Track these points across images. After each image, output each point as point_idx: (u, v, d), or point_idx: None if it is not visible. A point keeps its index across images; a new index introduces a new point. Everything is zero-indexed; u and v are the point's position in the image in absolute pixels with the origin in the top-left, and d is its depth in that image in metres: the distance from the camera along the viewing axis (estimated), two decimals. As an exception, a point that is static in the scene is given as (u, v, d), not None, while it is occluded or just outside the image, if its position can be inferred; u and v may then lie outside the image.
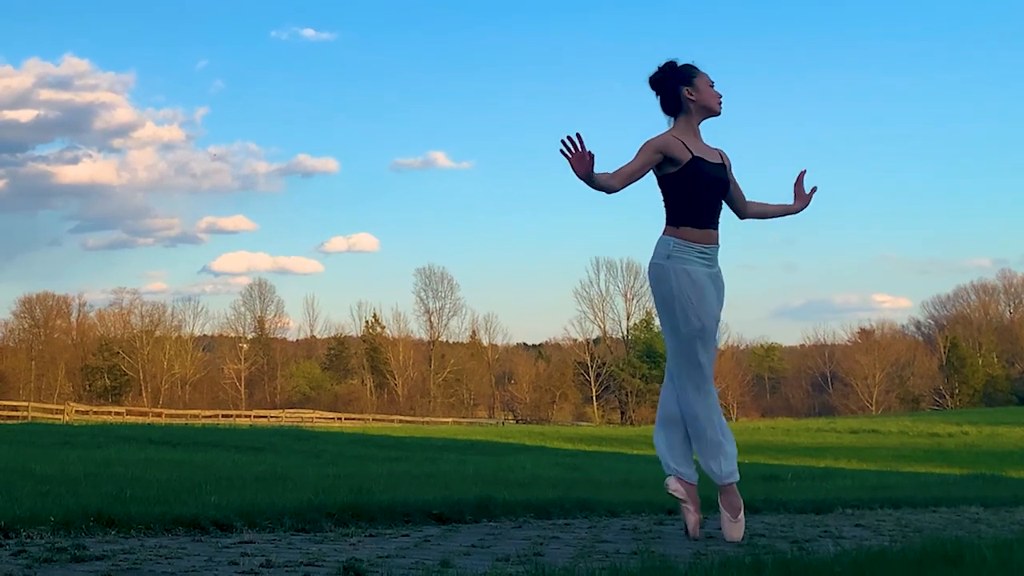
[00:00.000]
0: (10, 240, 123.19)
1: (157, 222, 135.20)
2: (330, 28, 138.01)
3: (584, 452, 29.89)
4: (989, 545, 5.25)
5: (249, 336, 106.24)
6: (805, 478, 15.85)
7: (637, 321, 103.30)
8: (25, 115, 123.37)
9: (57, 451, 14.97)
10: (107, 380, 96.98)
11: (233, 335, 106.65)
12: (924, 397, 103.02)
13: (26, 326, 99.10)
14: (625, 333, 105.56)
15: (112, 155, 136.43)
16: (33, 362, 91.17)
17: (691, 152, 6.17)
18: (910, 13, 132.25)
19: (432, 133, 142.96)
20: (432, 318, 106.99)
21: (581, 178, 5.87)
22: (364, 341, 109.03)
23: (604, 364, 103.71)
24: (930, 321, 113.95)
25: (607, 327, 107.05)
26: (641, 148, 6.15)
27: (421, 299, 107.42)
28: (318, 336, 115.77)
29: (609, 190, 6.02)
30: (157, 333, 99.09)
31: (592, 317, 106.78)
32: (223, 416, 68.29)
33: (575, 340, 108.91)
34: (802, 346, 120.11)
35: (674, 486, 6.24)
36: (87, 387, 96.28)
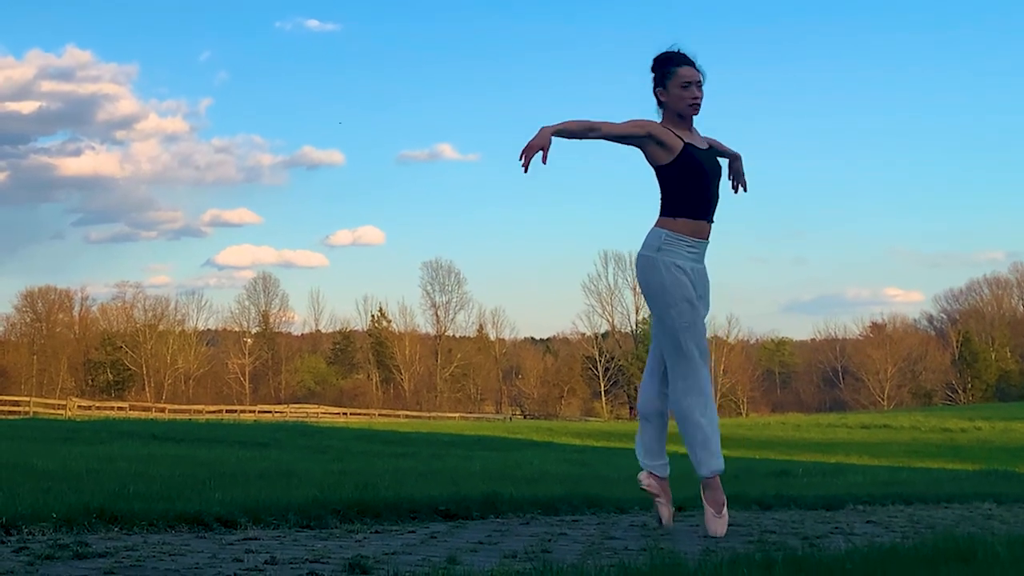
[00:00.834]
0: (12, 233, 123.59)
1: (160, 215, 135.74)
2: (334, 19, 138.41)
3: (592, 448, 29.83)
4: (1002, 542, 5.23)
5: (253, 330, 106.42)
6: (816, 474, 15.78)
7: (646, 315, 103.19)
8: (27, 107, 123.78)
9: (59, 447, 14.95)
10: (110, 375, 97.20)
11: (237, 329, 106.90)
12: (936, 392, 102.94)
13: (28, 320, 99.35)
14: (634, 327, 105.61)
15: (115, 147, 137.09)
16: (35, 357, 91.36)
17: (682, 139, 6.15)
18: (925, 3, 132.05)
19: (438, 125, 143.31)
20: (439, 312, 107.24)
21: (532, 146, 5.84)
22: (370, 335, 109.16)
23: (613, 358, 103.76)
24: (942, 315, 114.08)
25: (616, 321, 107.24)
26: (631, 120, 6.14)
27: (427, 293, 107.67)
28: (323, 330, 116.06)
29: (575, 137, 6.00)
30: (160, 327, 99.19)
31: (600, 311, 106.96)
32: (227, 411, 68.11)
33: (583, 334, 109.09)
34: (813, 340, 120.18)
35: (646, 481, 6.34)
36: (89, 382, 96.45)
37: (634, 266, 6.40)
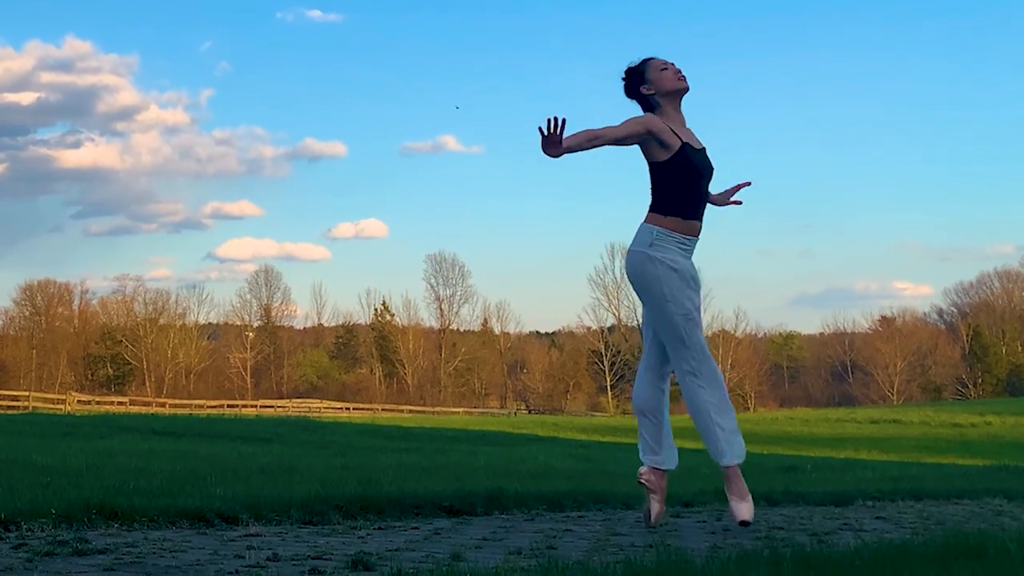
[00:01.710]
0: (11, 226, 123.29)
1: (161, 207, 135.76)
2: (337, 9, 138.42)
3: (598, 443, 29.80)
4: (1013, 538, 5.19)
5: (255, 324, 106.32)
6: (825, 469, 15.74)
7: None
8: (26, 98, 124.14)
9: (59, 442, 14.93)
10: (110, 369, 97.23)
11: (239, 323, 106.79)
12: (946, 386, 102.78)
13: (27, 314, 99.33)
14: (640, 321, 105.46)
15: (115, 139, 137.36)
16: (34, 351, 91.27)
17: (680, 138, 6.17)
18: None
19: (442, 116, 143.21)
20: (443, 306, 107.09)
21: (548, 155, 5.86)
22: (373, 329, 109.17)
23: (619, 352, 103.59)
24: (952, 308, 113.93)
25: (622, 315, 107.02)
26: (629, 119, 6.14)
27: (431, 286, 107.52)
28: (326, 324, 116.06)
29: (581, 150, 5.97)
30: (161, 321, 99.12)
31: (607, 304, 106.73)
32: (228, 406, 68.17)
33: (589, 328, 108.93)
34: (821, 334, 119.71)
35: (647, 476, 6.30)
36: (89, 376, 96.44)
37: (624, 262, 6.38)
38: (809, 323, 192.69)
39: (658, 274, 6.07)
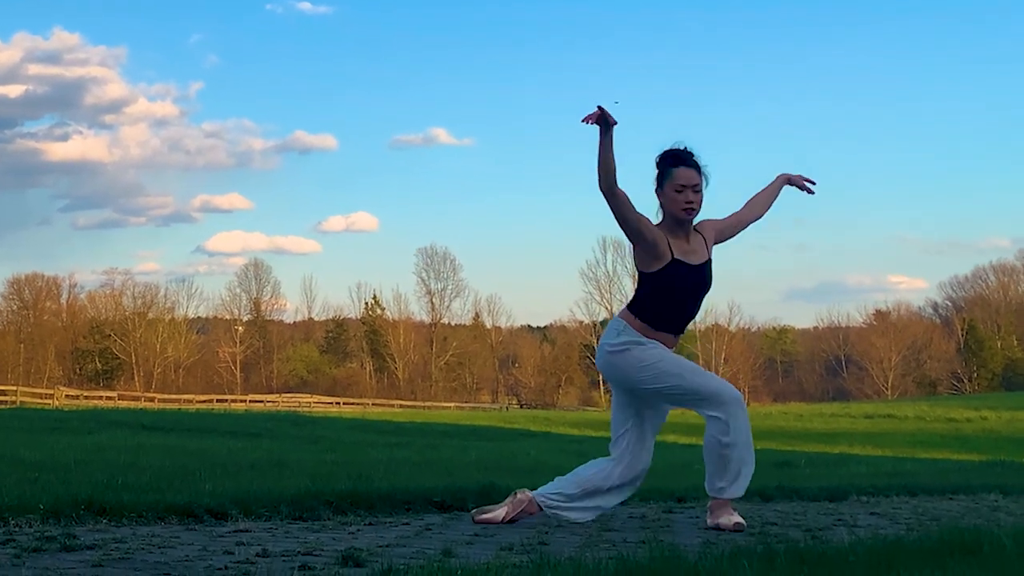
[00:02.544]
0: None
1: (150, 200, 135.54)
2: (327, 1, 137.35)
3: (591, 438, 29.69)
4: (1008, 534, 5.18)
5: (244, 318, 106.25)
6: (819, 464, 15.76)
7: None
8: (13, 90, 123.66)
9: (46, 437, 14.85)
10: (98, 363, 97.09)
11: (228, 317, 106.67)
12: (941, 381, 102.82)
13: (15, 308, 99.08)
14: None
15: (103, 131, 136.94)
16: (22, 345, 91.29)
17: (672, 254, 6.10)
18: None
19: (433, 109, 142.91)
20: (434, 299, 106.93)
21: (602, 126, 5.73)
22: (363, 323, 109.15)
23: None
24: (947, 302, 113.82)
25: (614, 309, 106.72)
26: (646, 218, 6.09)
27: (422, 280, 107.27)
28: (316, 318, 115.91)
29: (607, 178, 5.86)
30: (150, 315, 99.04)
31: (599, 298, 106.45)
32: (218, 401, 68.14)
33: (581, 322, 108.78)
34: (815, 328, 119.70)
35: (524, 498, 6.16)
36: (77, 371, 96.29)
37: (596, 359, 6.38)
38: (803, 317, 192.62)
39: (630, 357, 6.08)
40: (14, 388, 59.13)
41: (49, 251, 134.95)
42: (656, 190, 6.20)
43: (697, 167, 6.16)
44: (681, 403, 6.15)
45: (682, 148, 6.20)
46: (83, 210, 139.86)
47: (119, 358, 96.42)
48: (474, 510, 6.20)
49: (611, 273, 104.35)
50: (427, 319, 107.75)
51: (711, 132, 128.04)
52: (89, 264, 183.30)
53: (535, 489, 6.23)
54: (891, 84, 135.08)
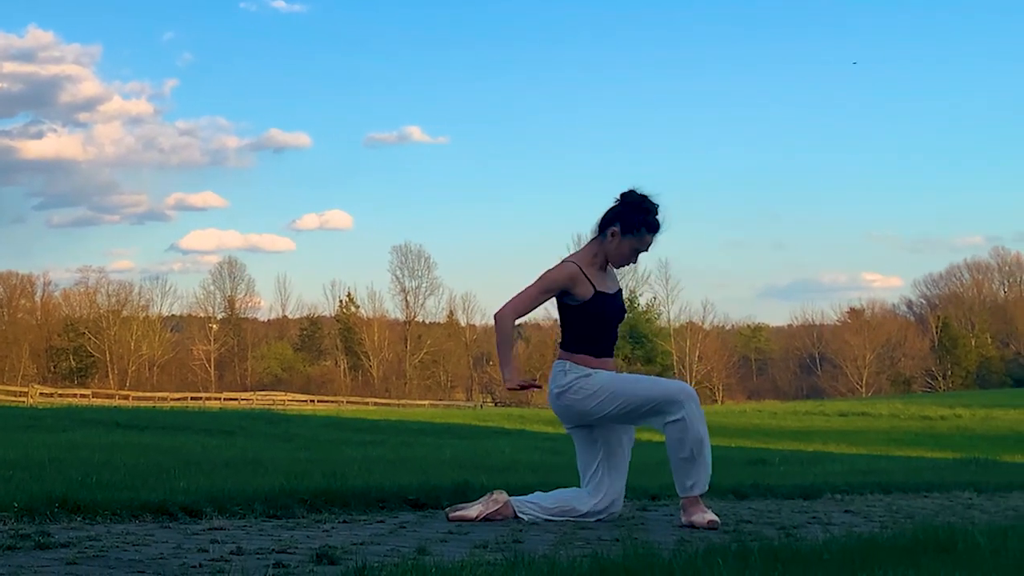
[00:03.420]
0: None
1: (124, 198, 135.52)
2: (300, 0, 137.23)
3: (565, 436, 29.57)
4: (983, 532, 5.21)
5: (219, 316, 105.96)
6: (793, 463, 15.81)
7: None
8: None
9: (21, 435, 14.80)
10: (72, 361, 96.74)
11: (202, 315, 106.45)
12: (916, 379, 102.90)
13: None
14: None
15: (78, 129, 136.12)
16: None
17: (594, 287, 6.25)
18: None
19: (407, 107, 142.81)
20: (408, 297, 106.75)
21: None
22: (338, 321, 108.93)
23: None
24: (922, 300, 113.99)
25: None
26: (541, 278, 6.30)
27: (397, 278, 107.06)
28: (290, 316, 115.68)
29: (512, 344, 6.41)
30: (124, 313, 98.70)
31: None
32: (192, 399, 67.84)
33: (556, 320, 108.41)
34: (790, 326, 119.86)
35: (499, 498, 6.22)
36: (52, 369, 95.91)
37: (549, 403, 6.43)
38: (777, 315, 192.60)
39: (580, 397, 6.16)
40: (-11, 386, 58.92)
41: (23, 249, 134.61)
42: (610, 228, 6.29)
43: (658, 233, 6.35)
44: (642, 418, 6.18)
45: (657, 210, 6.31)
46: (57, 208, 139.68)
47: (93, 356, 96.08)
48: (448, 508, 6.20)
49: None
50: (401, 317, 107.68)
51: (686, 132, 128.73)
52: (63, 262, 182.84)
53: (511, 493, 6.26)
54: (866, 82, 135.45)
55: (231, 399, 70.64)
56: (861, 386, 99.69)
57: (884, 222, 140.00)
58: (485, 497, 6.18)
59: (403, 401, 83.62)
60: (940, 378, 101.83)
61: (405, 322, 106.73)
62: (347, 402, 77.40)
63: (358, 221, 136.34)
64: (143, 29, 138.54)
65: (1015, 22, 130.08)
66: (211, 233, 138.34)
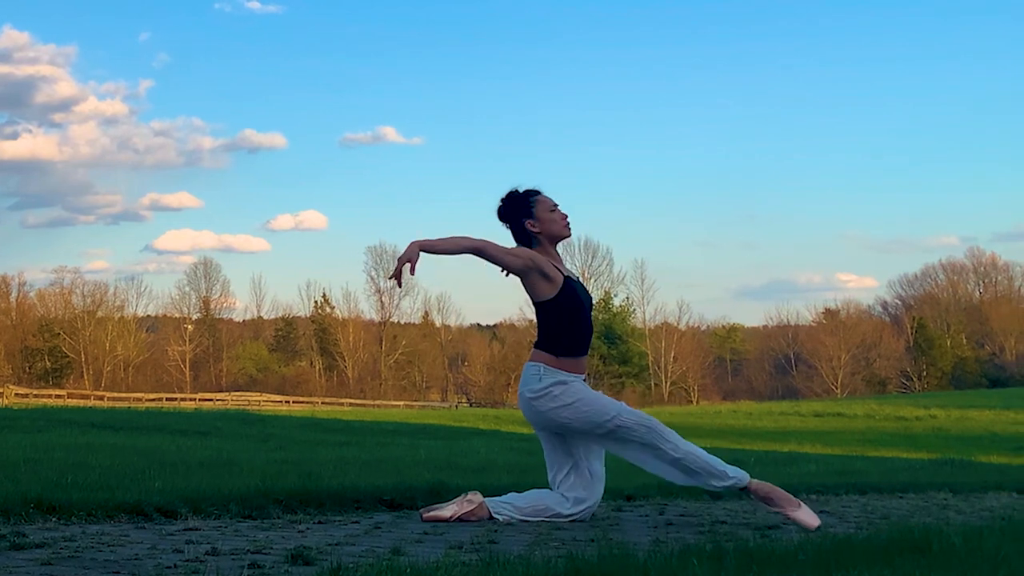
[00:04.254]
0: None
1: (99, 199, 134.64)
2: (276, 0, 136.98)
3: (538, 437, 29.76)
4: (958, 532, 5.21)
5: (194, 317, 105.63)
6: (768, 463, 15.77)
7: (595, 301, 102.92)
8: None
9: (-4, 435, 14.73)
10: (47, 362, 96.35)
11: (177, 315, 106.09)
12: (891, 379, 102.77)
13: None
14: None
15: (53, 130, 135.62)
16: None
17: (561, 272, 6.24)
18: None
19: (382, 108, 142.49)
20: (383, 298, 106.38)
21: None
22: (313, 322, 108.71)
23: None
24: (897, 301, 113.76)
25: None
26: (519, 250, 6.25)
27: (372, 278, 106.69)
28: (265, 317, 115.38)
29: (447, 254, 6.35)
30: (99, 313, 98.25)
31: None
32: (167, 399, 67.52)
33: (531, 320, 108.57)
34: (765, 327, 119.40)
35: (478, 501, 6.19)
36: (27, 369, 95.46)
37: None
38: (752, 315, 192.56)
39: (552, 405, 6.13)
40: (-37, 387, 58.66)
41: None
42: (524, 223, 6.30)
43: None
44: (614, 439, 6.15)
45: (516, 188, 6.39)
46: (32, 208, 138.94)
47: (68, 357, 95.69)
48: (423, 508, 6.20)
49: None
50: (376, 317, 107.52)
51: (661, 132, 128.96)
52: (38, 262, 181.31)
53: (486, 493, 6.26)
54: (840, 83, 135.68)
55: (206, 400, 70.35)
56: (836, 387, 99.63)
57: (858, 222, 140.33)
58: (460, 498, 6.18)
59: (378, 402, 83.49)
60: (915, 379, 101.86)
61: (380, 323, 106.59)
62: (322, 403, 77.23)
63: (333, 221, 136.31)
64: (118, 30, 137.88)
65: (988, 22, 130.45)
66: (186, 233, 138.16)
